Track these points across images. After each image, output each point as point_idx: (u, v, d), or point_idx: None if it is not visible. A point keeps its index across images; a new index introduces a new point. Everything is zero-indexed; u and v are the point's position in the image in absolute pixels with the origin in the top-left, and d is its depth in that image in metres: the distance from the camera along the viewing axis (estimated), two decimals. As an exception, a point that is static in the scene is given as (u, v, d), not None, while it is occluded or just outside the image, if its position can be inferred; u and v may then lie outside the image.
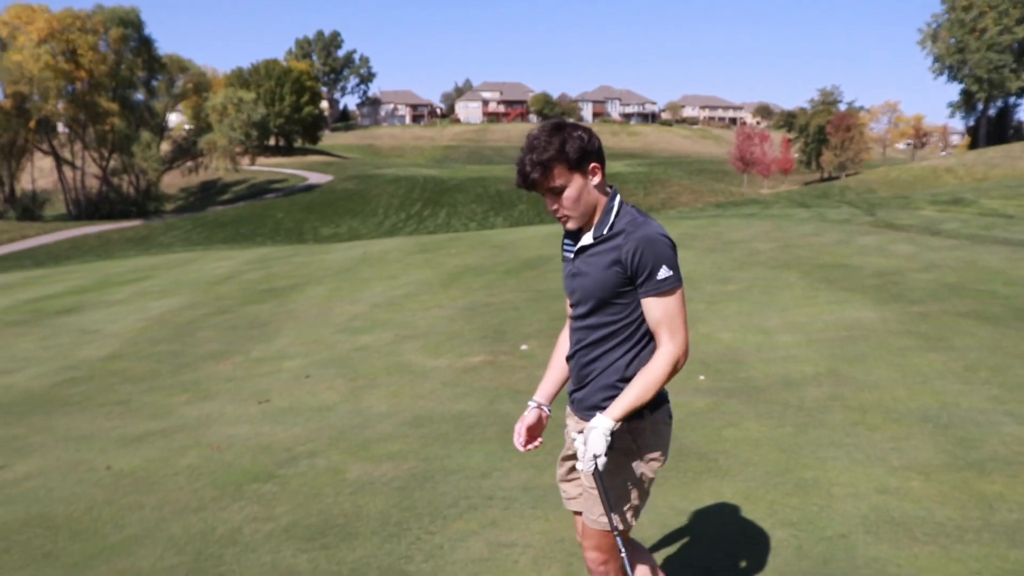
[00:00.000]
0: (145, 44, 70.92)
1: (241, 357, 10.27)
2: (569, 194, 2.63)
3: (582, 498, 2.83)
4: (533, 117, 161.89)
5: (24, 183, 69.02)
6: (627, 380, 2.67)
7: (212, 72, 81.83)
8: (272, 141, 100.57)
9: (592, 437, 2.58)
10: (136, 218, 63.36)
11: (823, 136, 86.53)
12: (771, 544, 3.99)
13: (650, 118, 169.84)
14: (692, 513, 4.40)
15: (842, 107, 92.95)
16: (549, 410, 2.94)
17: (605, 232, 2.67)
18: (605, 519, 2.69)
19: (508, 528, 4.35)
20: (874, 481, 4.66)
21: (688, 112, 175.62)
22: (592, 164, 2.64)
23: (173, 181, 76.75)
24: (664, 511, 4.45)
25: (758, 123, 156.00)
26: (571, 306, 2.84)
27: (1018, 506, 4.24)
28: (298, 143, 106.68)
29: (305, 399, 7.89)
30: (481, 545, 4.19)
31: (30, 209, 65.27)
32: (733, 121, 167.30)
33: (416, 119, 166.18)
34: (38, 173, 72.42)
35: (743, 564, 3.82)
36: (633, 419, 2.66)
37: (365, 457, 5.84)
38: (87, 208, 67.46)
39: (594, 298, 2.68)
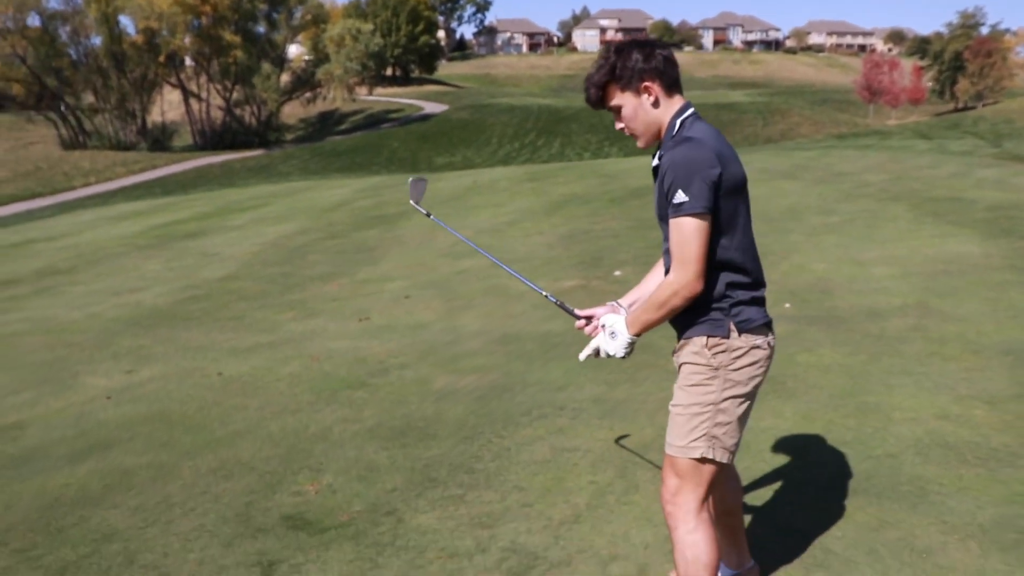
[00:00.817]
0: (266, -23, 72.40)
1: (347, 279, 10.81)
2: (625, 113, 2.66)
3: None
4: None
5: (154, 115, 71.88)
6: (700, 304, 2.62)
7: (330, 3, 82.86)
8: (389, 71, 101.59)
9: (609, 324, 2.74)
10: (257, 148, 65.35)
11: (960, 63, 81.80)
12: (819, 460, 4.16)
13: (773, 45, 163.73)
14: (748, 427, 4.60)
15: (984, 31, 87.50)
16: (625, 311, 2.88)
17: (662, 152, 2.66)
18: (680, 444, 2.65)
19: (573, 435, 4.64)
20: (936, 408, 4.74)
21: (814, 39, 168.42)
22: (644, 84, 2.62)
23: (293, 111, 78.65)
24: (723, 427, 4.66)
25: (889, 50, 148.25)
26: None
27: (1078, 435, 4.27)
28: (414, 73, 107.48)
29: (403, 318, 8.33)
30: (545, 449, 4.50)
31: (160, 140, 68.05)
32: (862, 48, 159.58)
33: (532, 48, 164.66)
34: (167, 106, 75.25)
35: (787, 477, 4.01)
36: (715, 334, 2.60)
37: (452, 370, 6.22)
38: (212, 138, 69.93)
39: (659, 219, 2.68)
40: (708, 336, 2.59)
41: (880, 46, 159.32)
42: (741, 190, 2.60)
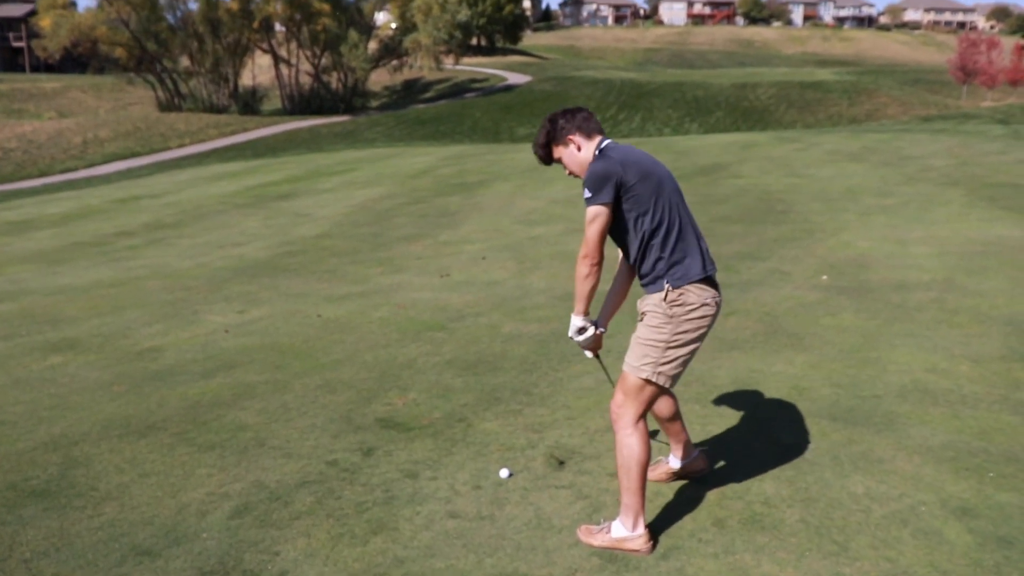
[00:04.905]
0: (358, -55, 73.79)
1: (430, 240, 11.87)
2: (564, 161, 3.67)
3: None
4: (740, 20, 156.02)
5: (245, 80, 74.09)
6: (646, 272, 3.53)
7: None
8: (474, 41, 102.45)
9: (572, 323, 3.78)
10: (343, 114, 66.93)
11: (1063, 43, 78.91)
12: (814, 397, 5.03)
13: (866, 22, 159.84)
14: (761, 372, 5.49)
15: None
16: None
17: None
18: (636, 364, 3.49)
19: (614, 371, 5.57)
20: (927, 364, 5.55)
21: (910, 16, 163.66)
22: (568, 137, 3.61)
23: (378, 79, 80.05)
24: (741, 369, 5.56)
25: (992, 27, 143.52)
26: None
27: (1041, 388, 5.05)
28: (499, 43, 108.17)
29: (479, 275, 9.33)
30: (590, 381, 5.46)
31: (250, 104, 70.13)
32: (962, 25, 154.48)
33: (619, 20, 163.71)
34: (258, 70, 77.36)
35: (783, 407, 4.90)
36: (661, 290, 3.43)
37: (519, 319, 7.21)
38: (300, 103, 71.83)
39: (614, 227, 3.57)
40: (657, 292, 3.49)
41: (981, 23, 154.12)
42: (656, 187, 3.47)
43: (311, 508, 3.96)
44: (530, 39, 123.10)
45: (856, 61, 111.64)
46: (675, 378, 3.54)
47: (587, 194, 3.46)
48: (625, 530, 3.52)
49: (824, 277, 8.24)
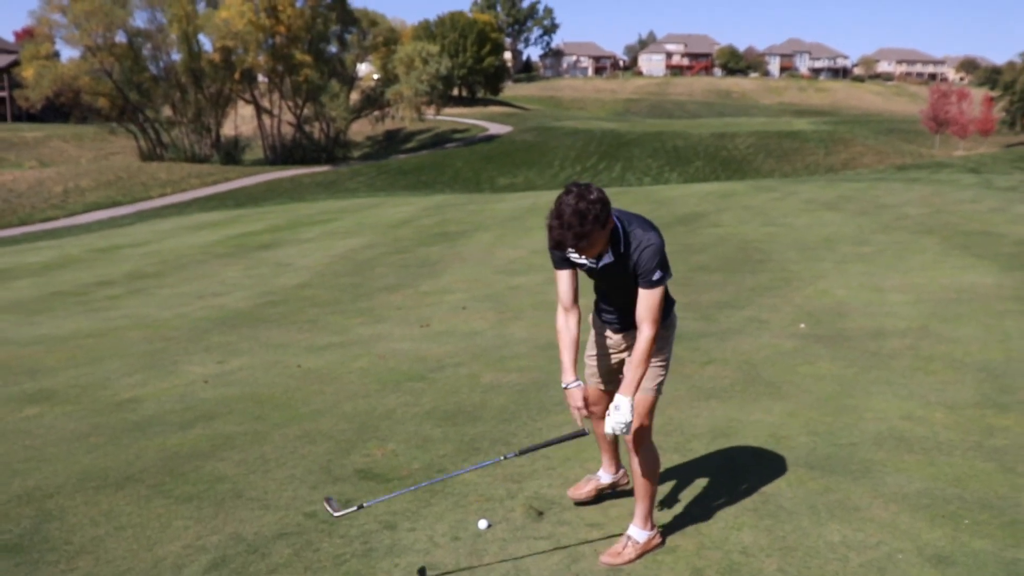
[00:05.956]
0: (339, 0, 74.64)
1: (411, 290, 11.90)
2: (597, 246, 3.45)
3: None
4: (718, 71, 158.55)
5: (227, 130, 74.39)
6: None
7: (400, 24, 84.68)
8: (455, 91, 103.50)
9: (624, 407, 3.60)
10: (325, 164, 67.29)
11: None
12: (791, 445, 5.06)
13: (841, 73, 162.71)
14: (740, 420, 5.52)
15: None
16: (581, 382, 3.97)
17: (621, 251, 3.54)
18: (651, 386, 3.81)
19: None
20: (903, 411, 5.60)
21: (883, 67, 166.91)
22: (608, 218, 3.39)
23: (360, 129, 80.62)
24: (720, 419, 5.58)
25: (961, 79, 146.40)
26: (602, 290, 3.95)
27: (1014, 436, 5.12)
28: (480, 93, 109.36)
29: (459, 325, 9.35)
30: (570, 430, 5.45)
31: (232, 154, 70.27)
32: (933, 77, 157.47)
33: (598, 71, 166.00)
34: (240, 121, 77.72)
35: (761, 456, 4.93)
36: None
37: (499, 369, 7.22)
38: (282, 153, 72.15)
39: (627, 287, 3.63)
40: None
41: (951, 75, 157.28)
42: None
43: (288, 560, 3.93)
44: (511, 90, 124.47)
45: (832, 111, 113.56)
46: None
47: (658, 275, 3.50)
48: (646, 532, 3.88)
49: (802, 325, 8.31)
